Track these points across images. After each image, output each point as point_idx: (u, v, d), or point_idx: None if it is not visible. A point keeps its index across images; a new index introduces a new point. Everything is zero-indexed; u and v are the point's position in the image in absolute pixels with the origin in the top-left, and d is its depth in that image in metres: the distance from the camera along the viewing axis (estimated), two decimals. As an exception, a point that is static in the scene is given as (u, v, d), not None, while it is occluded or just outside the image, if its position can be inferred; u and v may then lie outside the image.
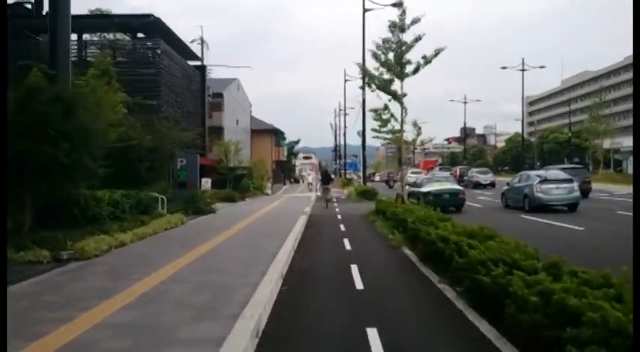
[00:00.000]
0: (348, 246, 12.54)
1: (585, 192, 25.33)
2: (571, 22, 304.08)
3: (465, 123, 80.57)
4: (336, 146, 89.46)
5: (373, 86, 17.83)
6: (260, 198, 36.47)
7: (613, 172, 64.21)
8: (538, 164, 74.26)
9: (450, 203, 21.66)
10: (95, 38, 32.37)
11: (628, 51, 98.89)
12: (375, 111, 17.92)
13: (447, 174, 26.66)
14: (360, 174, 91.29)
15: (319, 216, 21.53)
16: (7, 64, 10.92)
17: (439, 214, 12.03)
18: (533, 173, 24.01)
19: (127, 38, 31.83)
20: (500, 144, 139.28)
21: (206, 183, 29.78)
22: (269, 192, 45.80)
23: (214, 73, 48.71)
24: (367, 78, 18.01)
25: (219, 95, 47.22)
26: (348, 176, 62.96)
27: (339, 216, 20.88)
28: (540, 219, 17.54)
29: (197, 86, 38.90)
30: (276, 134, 66.05)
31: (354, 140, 60.19)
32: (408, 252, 11.10)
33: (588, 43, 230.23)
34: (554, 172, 23.26)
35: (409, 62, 17.28)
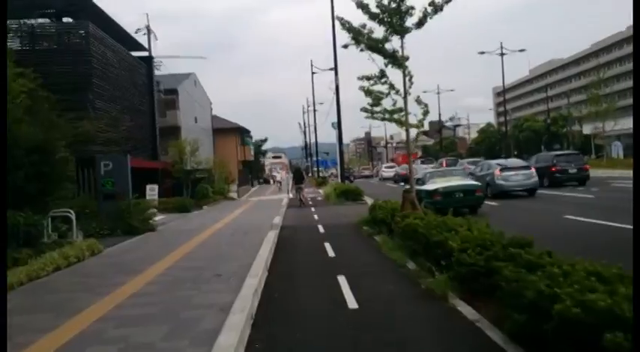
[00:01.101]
0: (352, 302, 6.79)
1: (583, 178, 24.75)
2: (536, 12, 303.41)
3: (439, 114, 75.82)
4: (306, 143, 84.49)
5: (361, 46, 12.62)
6: (222, 204, 30.91)
7: (596, 158, 60.88)
8: (515, 153, 70.69)
9: (464, 203, 16.73)
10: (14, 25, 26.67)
11: (595, 38, 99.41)
12: (367, 78, 12.61)
13: (457, 166, 21.52)
14: (334, 171, 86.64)
15: (294, 228, 16.27)
16: (6, 64, 10.58)
17: (491, 230, 7.06)
18: (493, 162, 25.17)
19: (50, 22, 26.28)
20: (468, 136, 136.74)
21: (152, 190, 24.20)
22: (235, 195, 40.38)
23: (165, 68, 42.90)
24: (352, 35, 12.73)
25: (173, 91, 41.61)
26: (322, 174, 57.68)
27: (321, 229, 15.64)
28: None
29: (143, 80, 33.21)
30: (242, 133, 60.43)
31: (324, 137, 55.40)
32: (467, 310, 5.92)
33: (554, 33, 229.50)
34: (513, 160, 25.81)
35: (411, 10, 12.12)
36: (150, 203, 23.46)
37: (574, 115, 79.90)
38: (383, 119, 13.01)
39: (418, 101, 12.76)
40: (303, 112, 78.09)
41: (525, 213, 16.59)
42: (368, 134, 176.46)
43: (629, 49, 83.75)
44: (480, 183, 18.31)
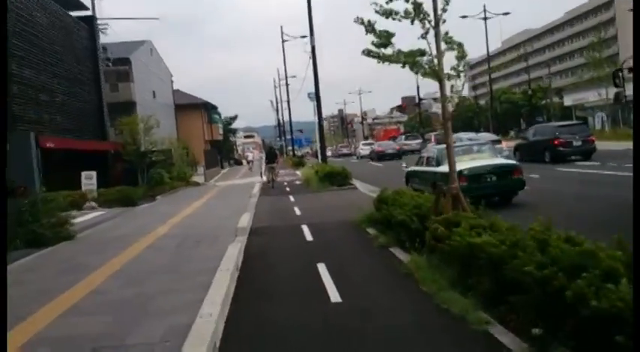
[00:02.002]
0: None
1: (589, 151, 22.19)
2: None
3: (418, 87, 70.76)
4: (278, 121, 79.63)
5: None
6: (182, 192, 25.91)
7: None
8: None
9: (498, 189, 12.41)
10: None
11: (568, 6, 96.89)
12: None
13: (484, 141, 16.85)
14: (309, 150, 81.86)
15: (268, 233, 11.57)
16: (6, 64, 10.58)
17: None
18: (463, 135, 25.84)
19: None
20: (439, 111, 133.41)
21: (89, 179, 19.21)
22: (200, 179, 35.59)
23: (119, 37, 37.24)
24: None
25: (125, 61, 36.33)
26: (298, 153, 53.18)
27: (308, 234, 10.92)
28: None
29: (85, 44, 27.92)
30: (208, 109, 55.05)
31: (298, 115, 50.63)
32: None
33: (526, 2, 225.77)
34: (484, 134, 27.33)
35: None
36: (86, 195, 18.66)
37: (553, 87, 76.88)
38: (397, 63, 8.17)
39: (448, 40, 8.10)
40: (275, 87, 73.06)
41: (573, 200, 12.23)
42: (341, 111, 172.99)
43: (606, 15, 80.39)
44: (514, 162, 13.82)
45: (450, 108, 8.24)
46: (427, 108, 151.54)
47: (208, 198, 20.98)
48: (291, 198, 18.44)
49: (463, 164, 12.74)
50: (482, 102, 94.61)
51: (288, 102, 51.47)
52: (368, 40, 8.31)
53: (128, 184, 23.74)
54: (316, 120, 27.50)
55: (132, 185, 24.03)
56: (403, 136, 49.13)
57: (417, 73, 8.23)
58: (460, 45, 8.12)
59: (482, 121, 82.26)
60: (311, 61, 23.41)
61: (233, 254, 8.26)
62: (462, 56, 8.22)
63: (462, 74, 8.48)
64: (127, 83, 36.09)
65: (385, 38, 8.28)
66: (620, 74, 14.70)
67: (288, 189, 22.63)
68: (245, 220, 12.42)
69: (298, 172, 33.60)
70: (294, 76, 54.84)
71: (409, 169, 16.37)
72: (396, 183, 18.83)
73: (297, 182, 26.16)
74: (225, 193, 23.45)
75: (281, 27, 50.43)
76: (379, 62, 8.13)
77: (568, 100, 68.07)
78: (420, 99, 65.80)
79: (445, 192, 8.13)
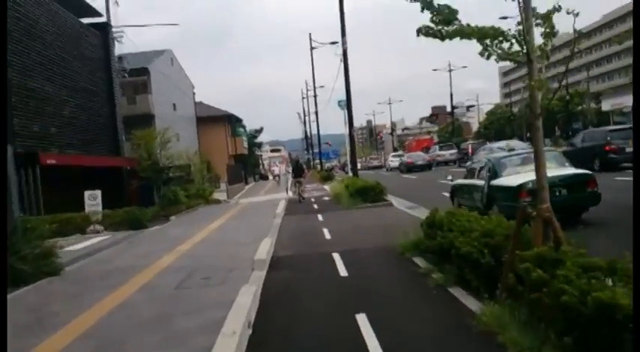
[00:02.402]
0: None
1: None
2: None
3: (451, 95, 68.44)
4: (305, 133, 77.77)
5: None
6: (199, 211, 23.84)
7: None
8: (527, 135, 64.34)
9: (570, 205, 10.07)
10: None
11: (605, 9, 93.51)
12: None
13: (550, 149, 14.46)
14: (337, 163, 79.64)
15: (291, 265, 9.36)
16: (6, 64, 9.98)
17: None
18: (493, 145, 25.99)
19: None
20: (472, 120, 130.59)
21: (92, 199, 17.34)
22: (222, 196, 33.78)
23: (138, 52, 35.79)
24: None
25: (143, 71, 34.84)
26: (327, 166, 51.37)
27: (340, 265, 8.69)
28: None
29: (96, 53, 26.38)
30: (232, 122, 53.35)
31: (325, 128, 48.44)
32: None
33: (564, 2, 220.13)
34: (515, 142, 25.13)
35: None
36: (90, 217, 16.87)
37: (590, 91, 73.88)
38: (470, 36, 6.00)
39: (540, 15, 5.90)
40: (303, 98, 71.25)
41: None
42: (370, 122, 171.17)
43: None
44: (588, 172, 11.51)
45: (539, 99, 6.01)
46: (459, 118, 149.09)
47: (228, 219, 18.96)
48: (320, 217, 16.30)
49: (524, 176, 10.49)
50: (516, 109, 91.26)
51: (317, 113, 49.41)
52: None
53: (144, 203, 21.93)
54: (347, 130, 25.40)
55: (148, 204, 22.22)
56: (437, 146, 46.65)
57: (489, 56, 6.04)
58: (549, 17, 5.92)
59: (516, 131, 79.38)
60: (342, 64, 21.37)
61: (245, 304, 6.14)
62: (549, 33, 6.00)
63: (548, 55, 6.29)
64: (144, 95, 34.58)
65: (448, 14, 6.14)
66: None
67: (315, 206, 20.52)
68: (265, 248, 10.30)
69: (326, 187, 31.55)
70: (322, 86, 52.40)
71: (455, 183, 14.13)
72: (433, 198, 16.67)
73: (326, 198, 24.05)
74: (246, 212, 21.44)
75: (310, 34, 48.28)
76: (440, 39, 6.00)
77: (606, 105, 65.20)
78: (454, 107, 63.06)
79: (530, 214, 5.91)
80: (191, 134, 42.65)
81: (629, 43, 5.43)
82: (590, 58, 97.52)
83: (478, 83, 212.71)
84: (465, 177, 13.43)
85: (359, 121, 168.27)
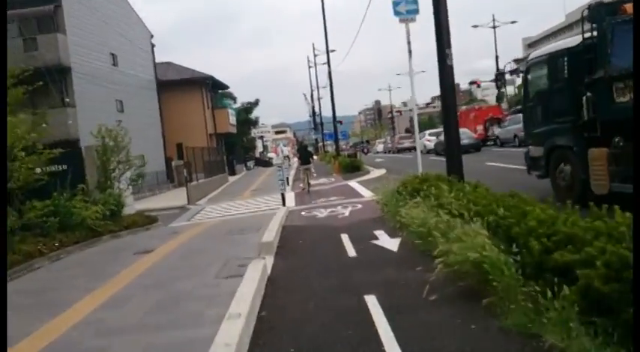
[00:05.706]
0: None
1: None
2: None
3: (497, 58, 54.55)
4: (313, 109, 65.43)
5: None
6: (73, 259, 10.47)
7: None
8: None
9: None
10: None
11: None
12: None
13: None
14: (346, 145, 67.11)
15: None
16: (6, 64, 10.02)
17: None
18: None
19: None
20: (487, 98, 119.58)
21: None
22: (181, 201, 20.70)
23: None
24: None
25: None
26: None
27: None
28: None
29: None
30: (213, 88, 39.02)
31: (329, 110, 34.39)
32: None
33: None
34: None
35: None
36: None
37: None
38: None
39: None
40: (309, 66, 57.33)
41: None
42: (378, 103, 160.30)
43: None
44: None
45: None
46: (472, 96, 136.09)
47: (98, 307, 5.55)
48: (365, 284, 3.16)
49: None
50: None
51: (330, 73, 34.79)
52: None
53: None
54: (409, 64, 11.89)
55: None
56: (508, 118, 32.86)
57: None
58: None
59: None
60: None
61: None
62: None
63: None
64: (52, 34, 20.97)
65: None
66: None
67: (351, 250, 7.30)
68: None
69: (357, 186, 18.33)
70: (334, 50, 37.66)
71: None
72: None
73: (365, 214, 10.63)
74: (178, 263, 8.11)
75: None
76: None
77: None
78: (501, 73, 49.22)
79: None
80: (147, 103, 29.09)
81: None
82: None
83: (489, 62, 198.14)
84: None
85: (366, 101, 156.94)
